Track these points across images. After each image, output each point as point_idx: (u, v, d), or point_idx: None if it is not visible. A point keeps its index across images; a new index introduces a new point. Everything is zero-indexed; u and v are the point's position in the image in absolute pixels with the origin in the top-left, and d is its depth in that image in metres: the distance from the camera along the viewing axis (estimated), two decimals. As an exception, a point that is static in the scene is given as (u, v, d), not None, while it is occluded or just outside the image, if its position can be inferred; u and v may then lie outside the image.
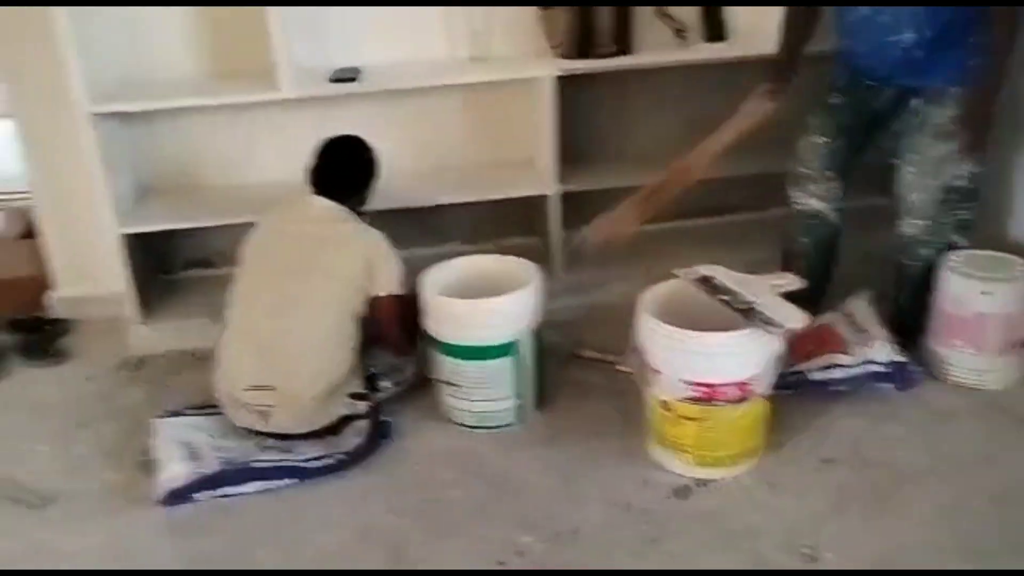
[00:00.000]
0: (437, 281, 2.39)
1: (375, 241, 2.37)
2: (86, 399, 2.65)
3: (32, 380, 2.78)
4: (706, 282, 2.17)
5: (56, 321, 3.07)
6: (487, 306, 2.28)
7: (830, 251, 2.64)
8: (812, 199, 2.55)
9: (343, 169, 2.46)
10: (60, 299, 3.14)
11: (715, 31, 2.94)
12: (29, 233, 3.15)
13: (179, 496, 2.14)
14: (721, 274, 2.19)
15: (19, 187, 3.26)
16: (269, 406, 2.27)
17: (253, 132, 3.02)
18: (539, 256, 2.63)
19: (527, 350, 2.33)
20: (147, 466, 2.24)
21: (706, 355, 2.02)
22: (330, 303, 2.32)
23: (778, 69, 2.51)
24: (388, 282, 2.35)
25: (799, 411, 2.33)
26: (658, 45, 2.90)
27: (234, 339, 2.36)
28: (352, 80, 2.72)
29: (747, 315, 2.04)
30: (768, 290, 2.13)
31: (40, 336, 2.96)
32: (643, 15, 2.87)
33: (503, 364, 2.30)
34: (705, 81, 3.02)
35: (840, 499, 2.06)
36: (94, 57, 2.61)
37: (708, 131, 2.63)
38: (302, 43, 2.77)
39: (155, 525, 2.10)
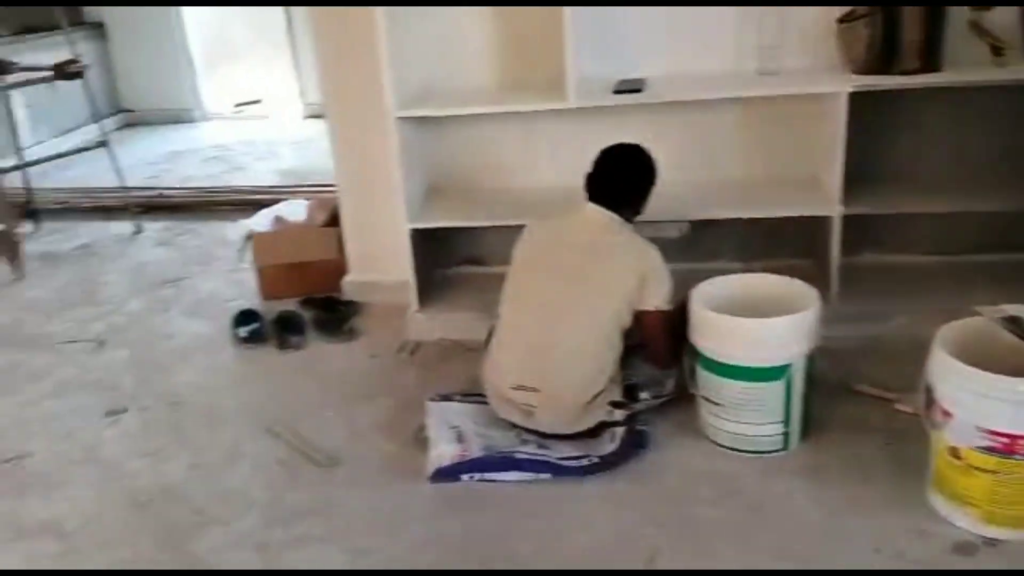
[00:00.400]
0: (709, 296, 2.35)
1: (649, 255, 2.36)
2: (369, 375, 2.91)
3: (325, 353, 3.09)
4: (1016, 323, 1.96)
5: (348, 302, 3.40)
6: (762, 326, 2.21)
7: None
8: None
9: (621, 178, 2.46)
10: (352, 283, 3.47)
11: (1040, 49, 2.65)
12: (332, 222, 3.51)
13: (446, 474, 2.28)
14: (1033, 315, 1.98)
15: (327, 180, 3.66)
16: (532, 406, 2.35)
17: (533, 139, 3.16)
18: (812, 279, 2.50)
19: (799, 376, 2.24)
20: (419, 443, 2.42)
21: (1013, 403, 1.82)
22: (599, 314, 2.34)
23: None
24: (658, 297, 2.34)
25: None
26: (970, 62, 2.67)
27: (504, 338, 2.45)
28: (637, 91, 2.76)
29: (1066, 364, 1.82)
30: (1093, 339, 1.88)
31: (334, 315, 3.28)
32: (956, 29, 2.66)
33: (772, 388, 2.22)
34: (1022, 104, 2.73)
35: None
36: (403, 67, 2.85)
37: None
38: (590, 55, 2.85)
39: (425, 498, 2.25)
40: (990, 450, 1.88)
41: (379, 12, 2.68)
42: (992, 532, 1.94)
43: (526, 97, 2.91)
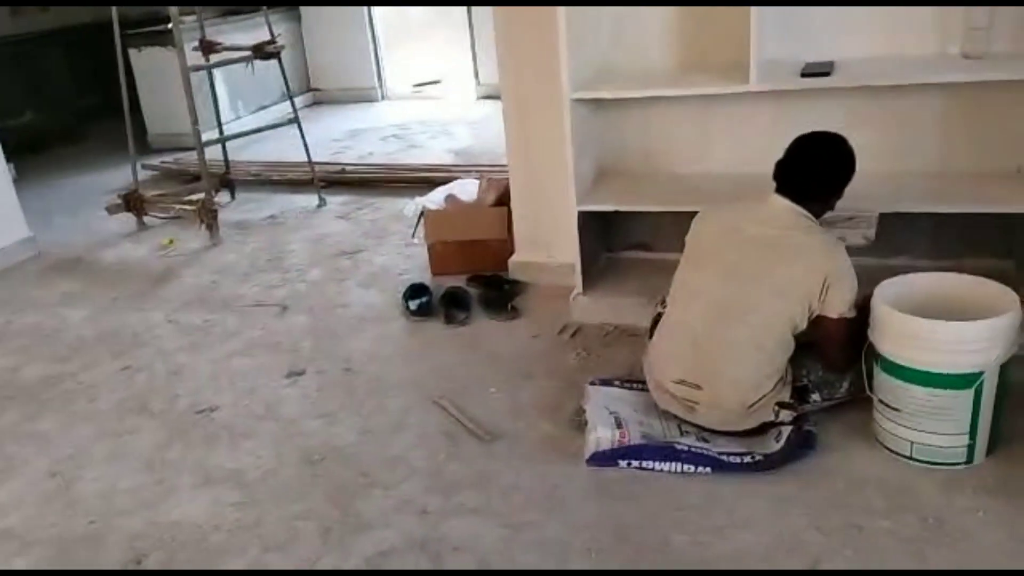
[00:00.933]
0: (895, 295, 2.20)
1: (837, 257, 2.21)
2: (531, 355, 2.94)
3: (489, 330, 3.16)
4: None
5: (513, 282, 3.46)
6: (954, 329, 2.05)
7: None
8: None
9: (817, 170, 2.30)
10: (518, 263, 3.52)
11: None
12: (502, 202, 3.57)
13: (604, 459, 2.28)
14: None
15: (499, 160, 3.72)
16: (694, 402, 2.30)
17: (708, 124, 3.07)
18: (1012, 282, 2.29)
19: (990, 385, 2.07)
20: (577, 425, 2.43)
21: None
22: (774, 316, 2.23)
23: None
24: (842, 304, 2.20)
25: None
26: None
27: (670, 331, 2.39)
28: (825, 75, 2.62)
29: None
30: None
31: (499, 293, 3.35)
32: None
33: (960, 396, 2.07)
34: None
35: None
36: (579, 49, 2.83)
37: None
38: (775, 36, 2.72)
39: (581, 480, 2.26)
40: None
41: (560, -6, 2.69)
42: None
43: (705, 80, 2.83)
